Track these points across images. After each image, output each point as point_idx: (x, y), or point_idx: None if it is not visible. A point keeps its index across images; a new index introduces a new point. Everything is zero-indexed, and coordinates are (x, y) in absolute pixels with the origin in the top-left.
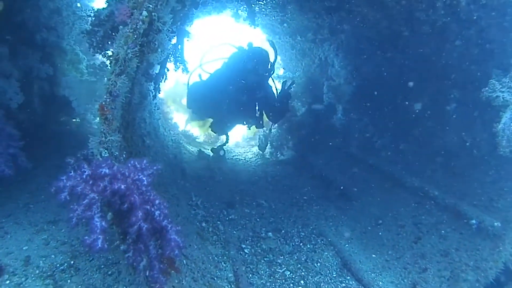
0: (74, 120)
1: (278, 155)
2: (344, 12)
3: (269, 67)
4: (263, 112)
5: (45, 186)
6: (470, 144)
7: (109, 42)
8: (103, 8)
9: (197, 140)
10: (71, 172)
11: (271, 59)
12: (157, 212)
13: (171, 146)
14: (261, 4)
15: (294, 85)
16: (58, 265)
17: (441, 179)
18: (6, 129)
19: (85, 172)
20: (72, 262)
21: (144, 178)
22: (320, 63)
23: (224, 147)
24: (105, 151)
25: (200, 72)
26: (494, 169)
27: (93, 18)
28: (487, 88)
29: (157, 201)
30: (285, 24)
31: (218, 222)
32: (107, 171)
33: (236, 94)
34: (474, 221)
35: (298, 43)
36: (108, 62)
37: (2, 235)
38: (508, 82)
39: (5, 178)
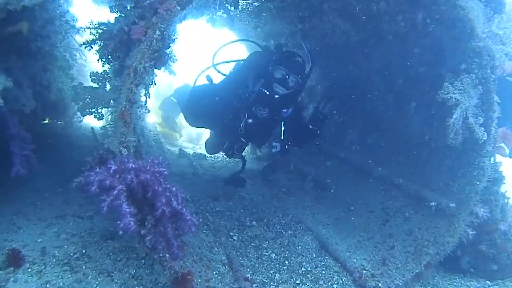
0: (59, 123)
1: (256, 152)
2: (316, 20)
3: (301, 79)
4: (288, 134)
5: (48, 184)
6: (428, 137)
7: (117, 55)
8: (113, 24)
9: (175, 141)
10: (96, 169)
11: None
12: (174, 198)
13: (154, 145)
14: (237, 10)
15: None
16: (72, 254)
17: (404, 168)
18: (20, 133)
19: (111, 167)
20: (84, 251)
21: (163, 169)
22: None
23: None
24: (125, 149)
25: (210, 73)
26: (449, 158)
27: (101, 32)
28: (442, 91)
29: (173, 189)
30: (258, 29)
31: (207, 214)
32: (133, 165)
33: (255, 107)
34: (433, 204)
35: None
36: (110, 71)
37: (16, 230)
38: (460, 85)
39: (18, 178)
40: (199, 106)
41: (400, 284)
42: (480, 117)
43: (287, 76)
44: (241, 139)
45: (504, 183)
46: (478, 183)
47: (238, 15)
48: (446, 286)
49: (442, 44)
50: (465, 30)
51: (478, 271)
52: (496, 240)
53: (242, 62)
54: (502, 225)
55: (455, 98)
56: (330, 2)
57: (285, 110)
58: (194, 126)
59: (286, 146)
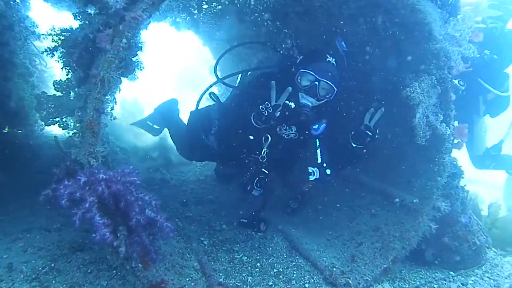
0: (19, 131)
1: None
2: (280, 23)
3: (335, 85)
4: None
5: (11, 196)
6: (391, 136)
7: (82, 62)
8: (77, 31)
9: None
10: (65, 181)
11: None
12: (147, 207)
13: (119, 151)
14: (200, 13)
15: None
16: (40, 268)
17: (369, 167)
18: None
19: (81, 179)
20: (52, 265)
21: (135, 179)
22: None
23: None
24: (94, 160)
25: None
26: (411, 155)
27: (65, 39)
28: (409, 89)
29: (146, 197)
30: (222, 31)
31: (177, 220)
32: (103, 176)
33: (280, 126)
34: (397, 200)
35: (236, 49)
36: (74, 79)
37: None
38: (425, 87)
39: None
40: (205, 133)
41: (369, 279)
42: (440, 115)
43: (316, 83)
44: (263, 170)
45: (463, 178)
46: (439, 178)
47: (201, 18)
48: (413, 278)
49: (402, 46)
50: (424, 33)
51: (442, 263)
52: (458, 232)
53: (251, 70)
54: (463, 218)
55: (418, 98)
56: (294, 6)
57: (315, 127)
58: (197, 160)
59: (327, 171)
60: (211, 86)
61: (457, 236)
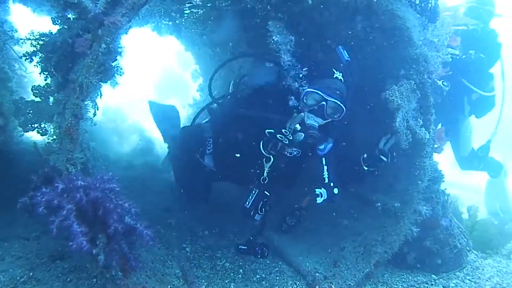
0: None
1: None
2: (262, 28)
3: (342, 102)
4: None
5: None
6: (371, 141)
7: (61, 67)
8: (56, 35)
9: None
10: (42, 188)
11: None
12: (127, 214)
13: (99, 157)
14: (182, 18)
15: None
16: (18, 277)
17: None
18: None
19: (59, 186)
20: (31, 274)
21: (114, 186)
22: (238, 73)
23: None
24: (72, 167)
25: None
26: (392, 160)
27: (43, 44)
28: (388, 91)
29: (126, 205)
30: (204, 37)
31: (158, 226)
32: (82, 183)
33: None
34: (379, 204)
35: (217, 54)
36: (53, 84)
37: None
38: (404, 92)
39: None
40: (200, 153)
41: (352, 284)
42: (419, 120)
43: (324, 103)
44: (265, 192)
45: (443, 181)
46: (420, 182)
47: (184, 23)
48: (395, 282)
49: (382, 52)
50: (403, 38)
51: (424, 266)
52: (439, 236)
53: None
54: (444, 221)
55: (397, 102)
56: (276, 11)
57: (321, 147)
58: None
59: (335, 191)
60: (207, 105)
61: (438, 239)
